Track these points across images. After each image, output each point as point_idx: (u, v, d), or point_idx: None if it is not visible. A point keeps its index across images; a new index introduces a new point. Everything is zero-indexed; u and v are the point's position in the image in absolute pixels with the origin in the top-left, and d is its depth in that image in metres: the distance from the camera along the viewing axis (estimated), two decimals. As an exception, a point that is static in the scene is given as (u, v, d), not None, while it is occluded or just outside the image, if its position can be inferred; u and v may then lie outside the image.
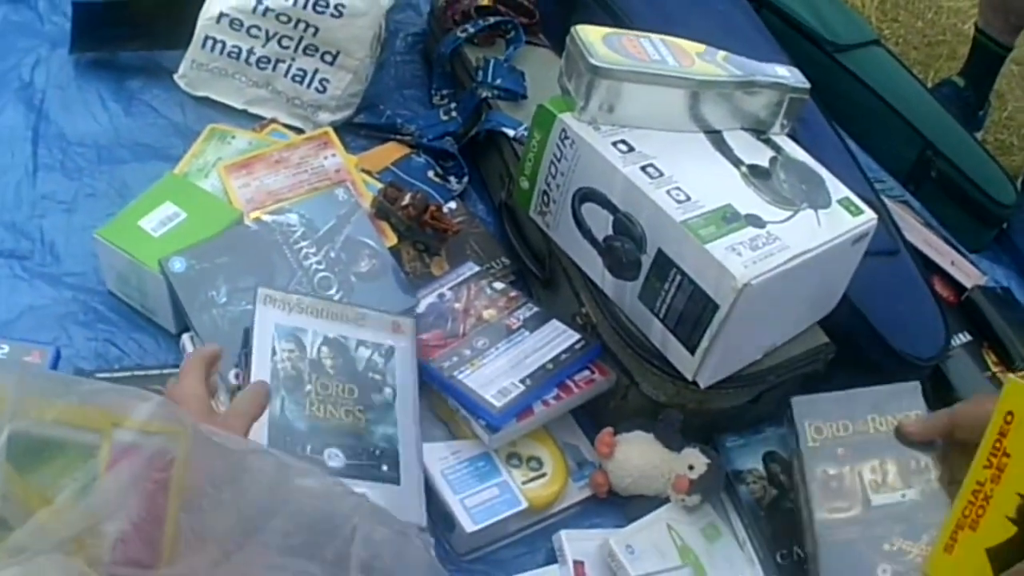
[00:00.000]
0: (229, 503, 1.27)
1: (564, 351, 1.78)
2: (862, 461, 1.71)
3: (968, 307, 2.26)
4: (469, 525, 1.62)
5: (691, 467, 1.71)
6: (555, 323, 1.83)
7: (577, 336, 1.81)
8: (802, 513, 1.69)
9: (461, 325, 1.82)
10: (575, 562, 1.65)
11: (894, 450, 1.65)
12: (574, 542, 1.67)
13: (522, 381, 1.71)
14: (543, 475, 1.71)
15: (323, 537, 1.28)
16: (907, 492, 1.69)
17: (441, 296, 1.88)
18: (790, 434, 1.75)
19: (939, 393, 2.08)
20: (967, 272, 2.35)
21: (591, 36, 1.76)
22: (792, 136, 1.89)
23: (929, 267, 2.26)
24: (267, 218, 1.87)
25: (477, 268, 1.95)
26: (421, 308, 1.85)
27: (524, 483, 1.68)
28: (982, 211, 2.61)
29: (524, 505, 1.65)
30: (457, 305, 1.86)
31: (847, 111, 2.56)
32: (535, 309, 1.87)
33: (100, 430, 1.22)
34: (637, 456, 1.72)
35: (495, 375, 1.72)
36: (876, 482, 1.70)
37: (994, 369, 2.19)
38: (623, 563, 1.63)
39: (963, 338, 2.19)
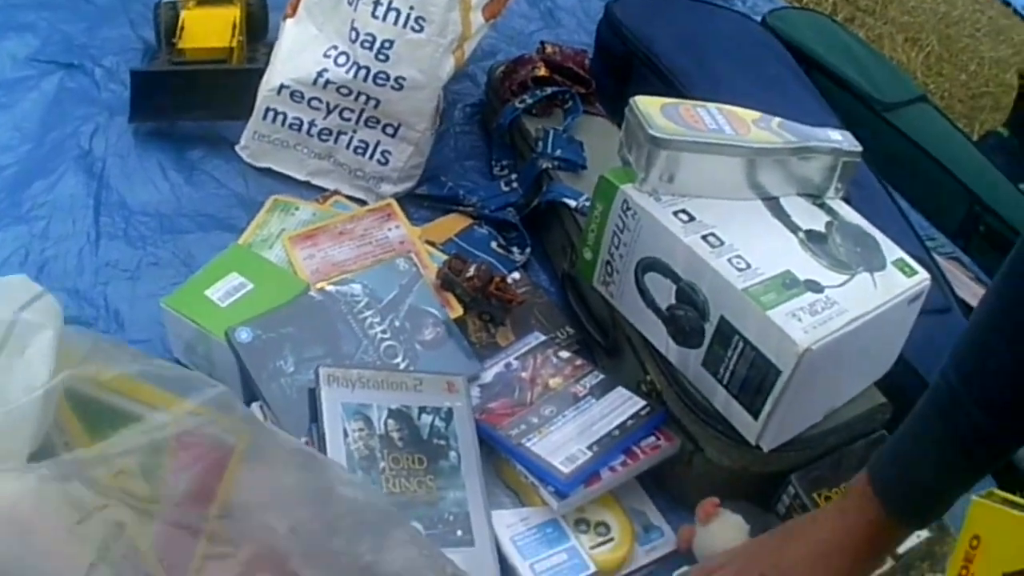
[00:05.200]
0: (272, 500, 1.32)
1: (630, 418, 1.79)
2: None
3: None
4: (539, 590, 1.64)
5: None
6: (621, 390, 1.85)
7: (642, 403, 1.82)
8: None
9: (528, 393, 1.84)
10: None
11: None
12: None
13: (589, 448, 1.72)
14: (610, 540, 1.71)
15: (358, 545, 1.32)
16: (919, 531, 1.70)
17: (508, 365, 1.90)
18: (797, 508, 1.75)
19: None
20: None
21: (649, 107, 1.79)
22: (846, 199, 1.91)
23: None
24: (331, 288, 1.89)
25: (542, 338, 1.97)
26: (488, 378, 1.87)
27: (592, 548, 1.69)
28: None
29: (592, 570, 1.66)
30: (524, 374, 1.88)
31: (896, 169, 2.58)
32: (601, 377, 1.88)
33: (161, 407, 1.32)
34: (723, 539, 1.71)
35: (562, 442, 1.73)
36: None
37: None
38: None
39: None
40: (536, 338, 1.96)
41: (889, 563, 1.68)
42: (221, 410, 1.36)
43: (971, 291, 2.35)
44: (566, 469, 1.68)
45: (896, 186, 2.49)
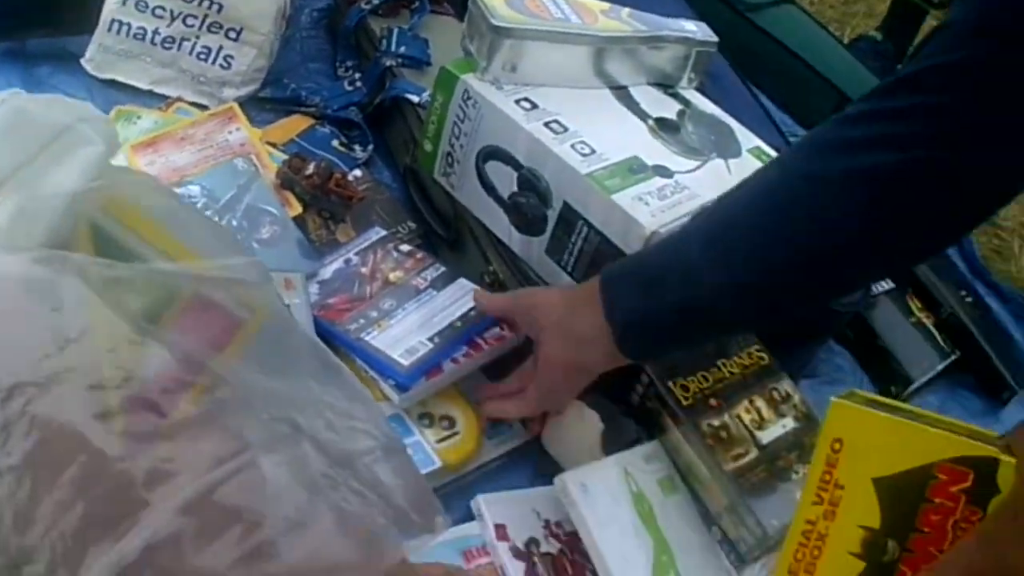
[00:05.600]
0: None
1: (472, 309, 1.75)
2: (735, 405, 1.70)
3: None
4: (383, 487, 1.61)
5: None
6: (463, 282, 1.81)
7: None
8: (703, 470, 1.67)
9: (368, 288, 1.80)
10: (496, 525, 1.62)
11: (753, 387, 1.72)
12: (493, 505, 1.64)
13: (430, 339, 1.69)
14: (456, 434, 1.68)
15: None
16: (784, 421, 1.71)
17: (347, 261, 1.86)
18: (652, 397, 1.72)
19: (863, 341, 2.08)
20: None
21: (493, -2, 1.76)
22: (701, 90, 1.89)
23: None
24: (170, 191, 1.85)
25: (383, 232, 1.93)
26: (327, 274, 1.84)
27: (437, 442, 1.66)
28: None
29: (438, 464, 1.63)
30: (363, 269, 1.84)
31: (761, 69, 2.58)
32: (442, 269, 1.84)
33: (175, 259, 1.30)
34: (576, 433, 1.70)
35: (403, 335, 1.70)
36: (756, 421, 1.70)
37: (919, 315, 2.19)
38: (576, 501, 1.59)
39: (886, 285, 2.18)
40: (376, 233, 1.93)
41: (754, 453, 1.66)
42: (240, 280, 1.31)
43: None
44: (406, 361, 1.65)
45: (760, 86, 2.47)
